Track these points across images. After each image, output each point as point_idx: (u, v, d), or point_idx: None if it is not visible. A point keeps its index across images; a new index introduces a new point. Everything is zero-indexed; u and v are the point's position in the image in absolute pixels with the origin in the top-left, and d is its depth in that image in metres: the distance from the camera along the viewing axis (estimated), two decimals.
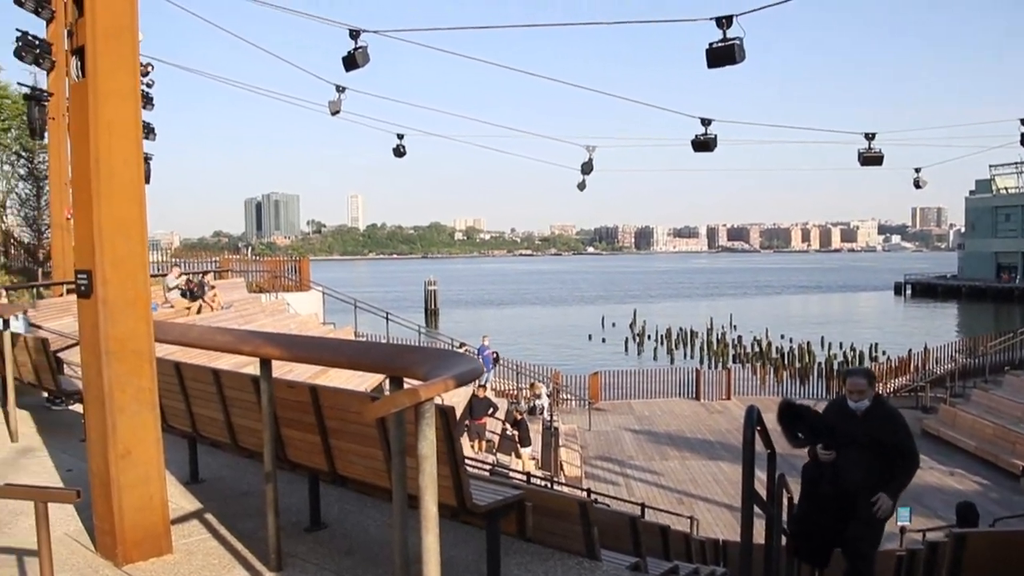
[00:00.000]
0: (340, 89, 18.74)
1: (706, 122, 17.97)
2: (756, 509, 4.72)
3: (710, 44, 13.62)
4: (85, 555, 4.99)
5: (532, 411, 25.83)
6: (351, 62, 15.99)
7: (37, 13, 19.61)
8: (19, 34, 19.44)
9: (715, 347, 57.56)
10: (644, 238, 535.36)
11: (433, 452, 2.79)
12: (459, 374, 3.02)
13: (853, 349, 51.90)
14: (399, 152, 22.20)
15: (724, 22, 13.33)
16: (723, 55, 13.55)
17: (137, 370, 4.61)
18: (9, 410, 9.03)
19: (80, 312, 4.70)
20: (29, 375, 9.55)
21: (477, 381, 16.96)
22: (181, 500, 6.18)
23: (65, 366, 10.04)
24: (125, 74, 4.64)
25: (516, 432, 21.54)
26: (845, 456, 5.97)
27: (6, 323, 8.88)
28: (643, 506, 17.17)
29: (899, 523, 14.33)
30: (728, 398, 31.93)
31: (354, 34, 16.02)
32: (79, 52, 4.66)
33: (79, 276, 4.62)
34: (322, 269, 37.99)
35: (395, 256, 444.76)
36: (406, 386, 3.20)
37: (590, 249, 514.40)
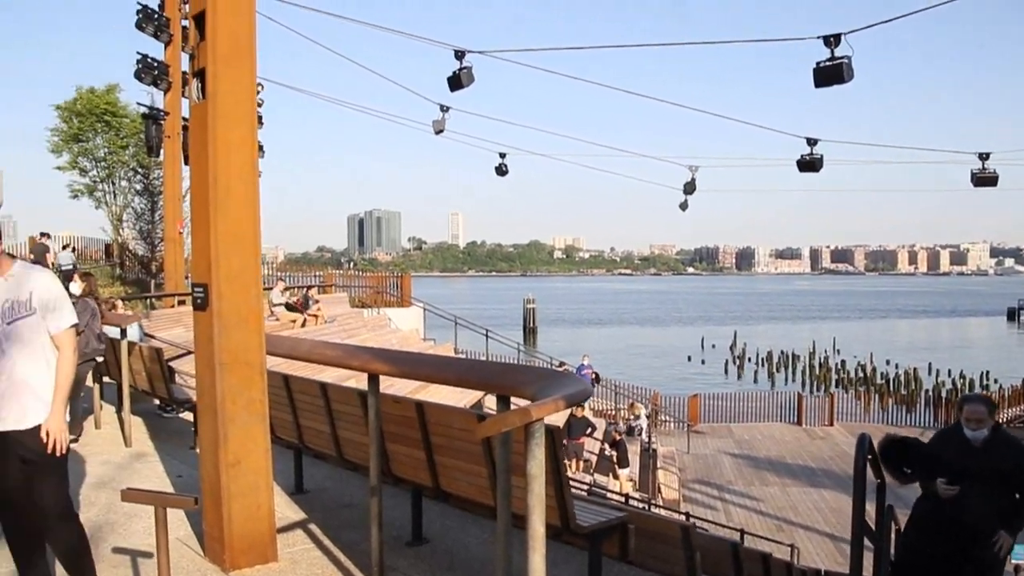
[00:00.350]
0: (444, 108, 18.96)
1: (812, 142, 17.66)
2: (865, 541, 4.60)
3: (817, 63, 13.41)
4: (194, 559, 5.13)
5: (630, 432, 25.61)
6: (456, 82, 16.19)
7: (156, 37, 20.43)
8: (139, 57, 20.23)
9: (817, 371, 56.21)
10: (745, 259, 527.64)
11: (542, 472, 2.79)
12: (569, 395, 3.01)
13: (963, 376, 50.06)
14: (502, 171, 22.29)
15: (832, 40, 13.10)
16: (831, 74, 13.31)
17: (248, 382, 4.74)
18: (124, 416, 9.36)
19: (196, 324, 4.85)
20: (143, 383, 9.88)
21: None
22: (286, 510, 6.30)
23: (176, 375, 10.36)
24: (242, 96, 4.80)
25: (615, 452, 21.38)
26: (963, 490, 5.59)
27: (123, 332, 9.21)
28: (742, 532, 16.89)
29: (1015, 560, 13.73)
30: (831, 424, 31.15)
31: (459, 54, 16.23)
32: (200, 74, 4.82)
33: (195, 289, 4.77)
34: (422, 285, 38.44)
35: (494, 274, 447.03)
36: (513, 405, 3.22)
37: (690, 269, 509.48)
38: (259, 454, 4.85)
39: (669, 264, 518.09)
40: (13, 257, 4.34)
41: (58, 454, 4.17)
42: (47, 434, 4.11)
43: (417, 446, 4.96)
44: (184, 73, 20.99)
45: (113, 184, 33.25)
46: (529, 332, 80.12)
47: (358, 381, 11.10)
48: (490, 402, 19.57)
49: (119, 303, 15.49)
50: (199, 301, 4.72)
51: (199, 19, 4.83)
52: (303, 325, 21.65)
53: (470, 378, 4.09)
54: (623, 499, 15.91)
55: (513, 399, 3.57)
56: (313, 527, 6.03)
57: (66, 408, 4.25)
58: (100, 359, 9.43)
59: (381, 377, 4.41)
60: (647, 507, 16.94)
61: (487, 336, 30.20)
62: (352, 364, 4.58)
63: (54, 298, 4.22)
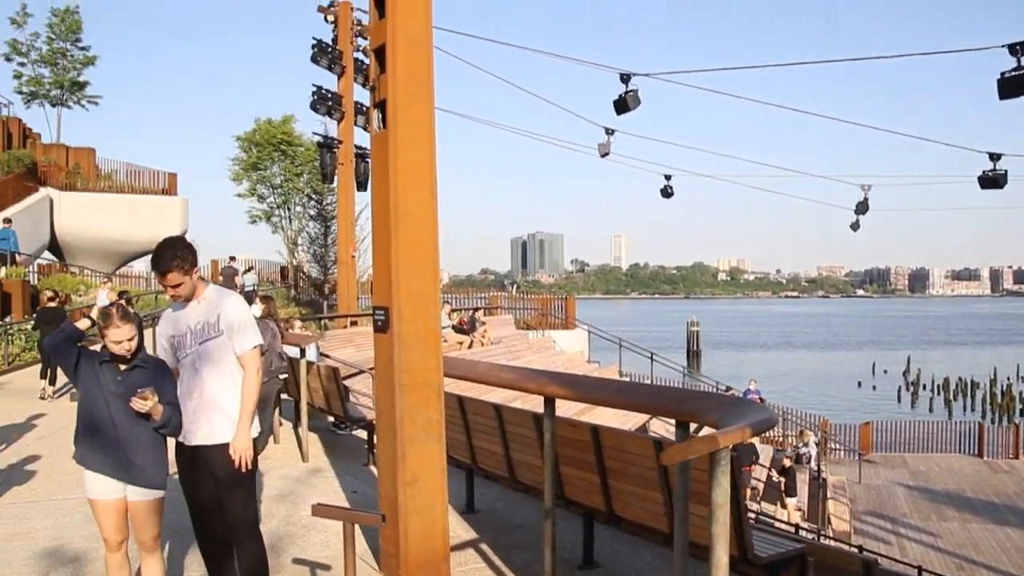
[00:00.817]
0: (609, 131, 18.95)
1: (995, 157, 16.78)
2: None
3: (1002, 73, 12.76)
4: (370, 574, 5.28)
5: (798, 459, 24.86)
6: (623, 105, 16.19)
7: (330, 69, 21.31)
8: (314, 88, 21.10)
9: (1000, 400, 53.18)
10: (919, 280, 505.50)
11: (727, 500, 2.77)
12: (756, 423, 2.98)
13: None
14: (667, 193, 22.05)
15: (1019, 49, 12.44)
16: (1018, 84, 12.64)
17: (426, 402, 4.85)
18: (301, 433, 9.74)
19: (376, 345, 5.01)
20: (320, 401, 10.25)
21: None
22: (458, 529, 6.41)
23: (349, 394, 10.69)
24: (422, 125, 4.95)
25: (783, 480, 20.81)
26: None
27: (302, 352, 9.59)
28: (920, 569, 16.11)
29: None
30: (1016, 457, 29.27)
31: (625, 78, 16.23)
32: (381, 105, 5.00)
33: (376, 312, 4.93)
34: (584, 308, 38.43)
35: (657, 296, 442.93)
36: (692, 431, 3.20)
37: (860, 292, 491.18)
38: (435, 473, 4.95)
39: (838, 286, 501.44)
40: (206, 282, 4.61)
41: (244, 470, 4.39)
42: (234, 451, 4.34)
43: (591, 470, 4.97)
44: (356, 103, 21.79)
45: (289, 210, 34.81)
46: (693, 355, 78.91)
47: (523, 403, 11.21)
48: (655, 426, 19.40)
49: (296, 323, 16.12)
50: (380, 323, 4.88)
51: (379, 53, 5.02)
52: (470, 347, 21.96)
53: (650, 403, 4.08)
54: (793, 529, 15.44)
55: (693, 425, 3.54)
56: (484, 547, 6.12)
57: (252, 426, 4.47)
58: (284, 376, 9.85)
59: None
60: (816, 538, 16.40)
61: (651, 359, 29.90)
62: (528, 387, 4.63)
63: (240, 320, 4.46)
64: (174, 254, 4.30)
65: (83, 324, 4.36)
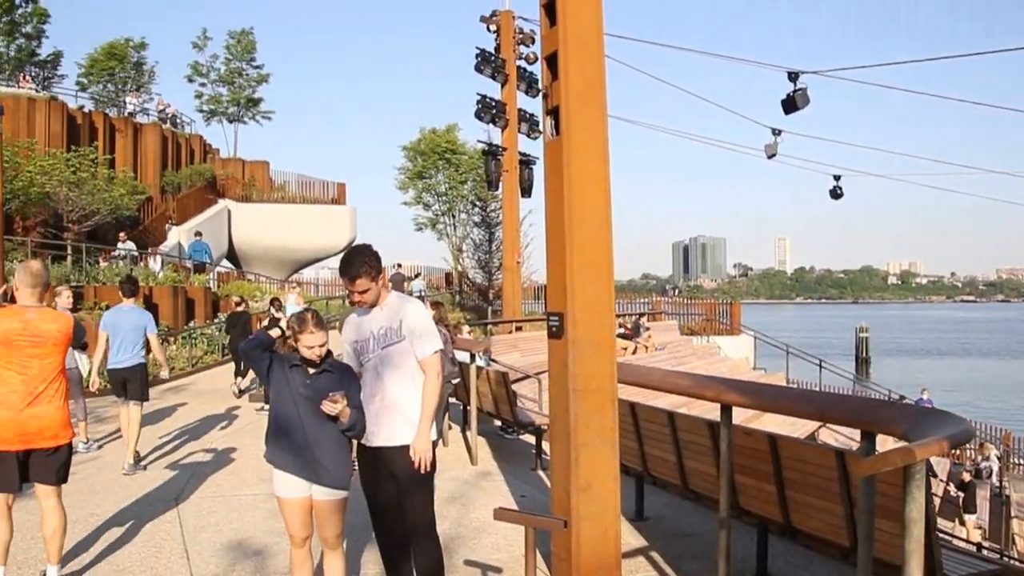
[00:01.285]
0: (776, 132, 18.53)
1: None
2: None
3: None
4: None
5: (978, 474, 23.61)
6: (791, 104, 15.81)
7: (493, 78, 21.63)
8: (478, 97, 21.45)
9: None
10: None
11: (922, 516, 2.65)
12: (952, 435, 2.84)
13: None
14: (836, 194, 21.31)
15: None
16: None
17: (600, 408, 4.84)
18: (470, 436, 9.90)
19: (550, 351, 5.03)
20: (488, 405, 10.40)
21: None
22: (627, 535, 6.38)
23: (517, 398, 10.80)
24: (595, 132, 4.94)
25: (961, 495, 19.81)
26: None
27: (472, 357, 9.75)
28: None
29: None
30: None
31: (792, 76, 15.84)
32: (554, 112, 5.02)
33: (551, 318, 4.95)
34: (747, 313, 37.53)
35: (823, 301, 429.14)
36: (880, 443, 3.08)
37: None
38: (609, 480, 4.93)
39: (1019, 290, 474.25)
40: (389, 289, 4.75)
41: (423, 472, 4.49)
42: (414, 453, 4.45)
43: (767, 479, 4.87)
44: (520, 110, 22.04)
45: (453, 217, 35.49)
46: (861, 362, 76.10)
47: (689, 409, 11.07)
48: (823, 435, 18.82)
49: (464, 328, 16.40)
50: (554, 329, 4.90)
51: (551, 60, 5.05)
52: (634, 352, 21.85)
53: (833, 413, 3.95)
54: (974, 548, 14.68)
55: (880, 436, 3.41)
56: (655, 555, 6.07)
57: (431, 428, 4.57)
58: (456, 381, 10.04)
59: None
60: (1000, 558, 15.54)
61: (820, 366, 29.02)
62: (706, 395, 4.57)
63: (422, 326, 4.57)
64: (363, 261, 4.46)
65: (275, 333, 4.56)
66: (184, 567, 6.00)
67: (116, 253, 26.75)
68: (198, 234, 30.40)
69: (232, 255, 39.64)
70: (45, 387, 5.14)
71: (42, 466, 5.21)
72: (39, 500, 5.31)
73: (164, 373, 10.56)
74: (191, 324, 23.59)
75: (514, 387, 11.45)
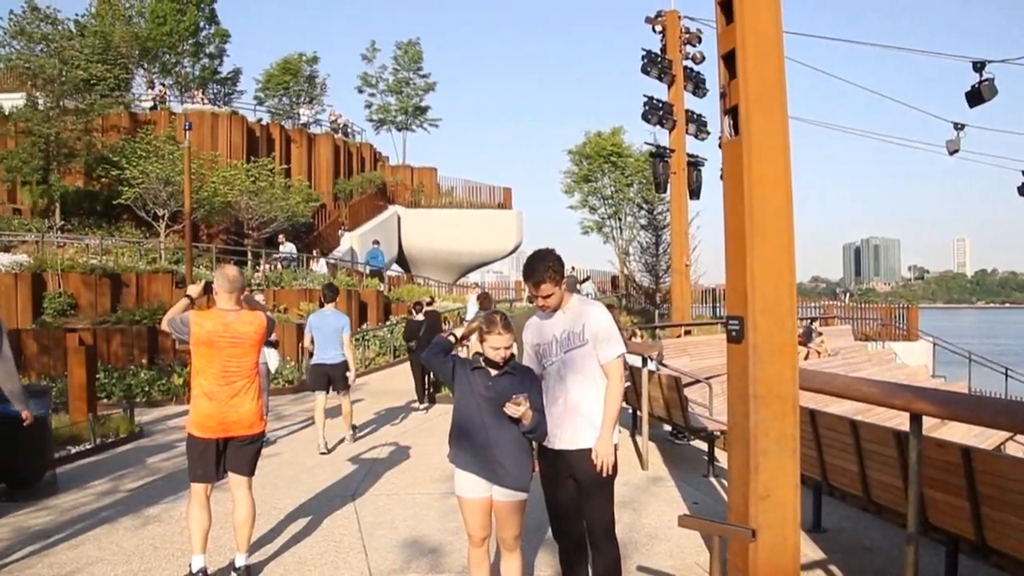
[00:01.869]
0: (959, 127, 17.67)
1: None
2: None
3: None
4: None
5: None
6: (976, 96, 15.06)
7: (660, 79, 21.40)
8: (645, 99, 21.28)
9: None
10: None
11: None
12: None
13: None
14: None
15: None
16: None
17: (781, 415, 4.72)
18: (640, 441, 9.83)
19: (729, 356, 4.94)
20: (659, 409, 10.30)
21: None
22: (805, 547, 6.19)
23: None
24: (775, 131, 4.82)
25: None
26: None
27: (644, 361, 9.69)
28: None
29: None
30: None
31: (978, 66, 15.07)
32: (732, 112, 4.93)
33: (730, 322, 4.86)
34: (924, 318, 35.72)
35: (1007, 305, 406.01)
36: None
37: None
38: (788, 489, 4.80)
39: None
40: (570, 293, 4.75)
41: (605, 475, 4.48)
42: (596, 456, 4.45)
43: (959, 494, 4.63)
44: (688, 112, 21.72)
45: (619, 220, 35.35)
46: None
47: (864, 418, 10.65)
48: (1011, 447, 17.77)
49: (637, 332, 16.30)
50: (734, 333, 4.81)
51: (728, 58, 4.96)
52: (806, 358, 21.20)
53: None
54: None
55: None
56: (833, 568, 5.90)
57: (614, 432, 4.56)
58: (627, 384, 10.00)
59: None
60: None
61: (1006, 375, 27.38)
62: (894, 403, 4.38)
63: (604, 330, 4.57)
64: (547, 266, 4.50)
65: (454, 338, 4.67)
66: (362, 562, 6.19)
67: (277, 255, 27.99)
68: (376, 242, 31.44)
69: (402, 259, 40.77)
70: (243, 382, 5.58)
71: (238, 456, 5.64)
72: (232, 490, 5.69)
73: (350, 375, 11.04)
74: (363, 326, 24.37)
75: (686, 391, 11.33)
